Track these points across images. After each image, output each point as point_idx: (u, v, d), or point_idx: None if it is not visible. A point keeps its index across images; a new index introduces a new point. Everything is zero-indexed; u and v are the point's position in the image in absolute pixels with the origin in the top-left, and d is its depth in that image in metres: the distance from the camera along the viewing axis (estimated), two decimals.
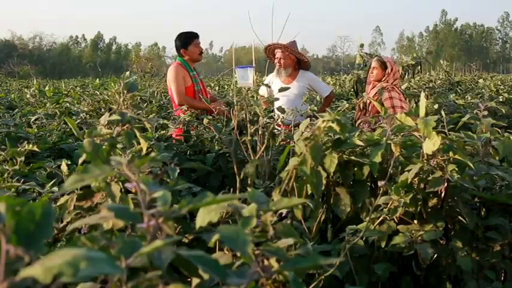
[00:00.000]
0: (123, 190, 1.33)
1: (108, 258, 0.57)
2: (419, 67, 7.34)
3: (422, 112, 1.58)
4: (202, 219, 0.93)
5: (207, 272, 0.73)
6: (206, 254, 0.76)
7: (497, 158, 1.84)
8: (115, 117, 1.56)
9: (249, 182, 1.70)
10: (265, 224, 1.00)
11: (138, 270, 0.75)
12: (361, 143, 1.62)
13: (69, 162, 1.94)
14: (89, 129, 3.34)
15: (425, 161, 1.56)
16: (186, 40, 4.26)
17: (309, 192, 1.59)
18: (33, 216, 0.62)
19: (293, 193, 1.62)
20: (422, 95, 1.69)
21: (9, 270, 0.56)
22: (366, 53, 6.56)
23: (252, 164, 1.44)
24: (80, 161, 1.57)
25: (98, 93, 6.40)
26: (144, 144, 1.59)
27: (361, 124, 3.33)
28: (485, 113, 2.09)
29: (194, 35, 4.31)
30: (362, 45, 6.65)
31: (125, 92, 1.79)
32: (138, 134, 1.59)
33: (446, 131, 1.69)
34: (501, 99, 5.24)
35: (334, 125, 1.49)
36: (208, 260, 0.74)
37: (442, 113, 1.90)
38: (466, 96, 5.85)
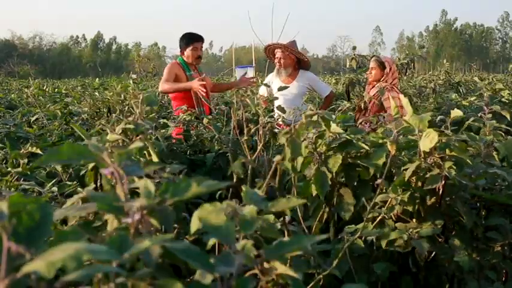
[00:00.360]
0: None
1: (108, 250, 0.57)
2: (412, 64, 7.34)
3: (409, 110, 1.60)
4: (198, 221, 0.91)
5: (194, 265, 0.72)
6: (192, 245, 0.74)
7: (498, 159, 1.85)
8: (129, 126, 1.58)
9: (248, 182, 1.70)
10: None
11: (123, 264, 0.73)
12: (366, 147, 1.62)
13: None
14: (89, 129, 3.33)
15: (422, 159, 1.57)
16: (186, 42, 4.22)
17: (313, 192, 1.59)
18: (33, 216, 0.62)
19: (291, 192, 1.62)
20: (401, 96, 1.72)
21: (10, 268, 0.55)
22: (359, 55, 6.58)
23: (239, 161, 1.45)
24: (90, 166, 1.57)
25: (97, 94, 6.41)
26: (155, 157, 1.61)
27: (362, 124, 3.33)
28: (489, 115, 2.10)
29: (195, 38, 4.24)
30: (355, 48, 6.69)
31: (144, 105, 1.82)
32: (150, 146, 1.61)
33: (449, 131, 1.70)
34: (503, 100, 5.24)
35: (319, 120, 1.49)
36: (194, 252, 0.73)
37: (453, 112, 1.90)
38: (468, 98, 5.85)
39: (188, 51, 4.20)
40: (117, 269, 0.56)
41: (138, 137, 1.65)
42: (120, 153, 0.81)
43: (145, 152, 1.64)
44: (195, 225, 0.90)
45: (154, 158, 1.62)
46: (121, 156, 0.81)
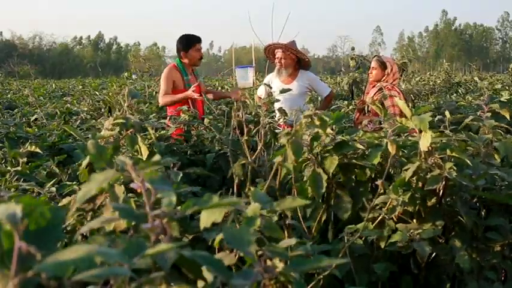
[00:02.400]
0: (125, 192, 1.32)
1: (120, 253, 0.57)
2: (407, 66, 7.36)
3: (408, 113, 1.60)
4: (206, 219, 0.93)
5: (212, 272, 0.73)
6: (210, 254, 0.76)
7: (498, 159, 1.84)
8: (119, 120, 1.58)
9: (248, 182, 1.70)
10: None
11: (140, 271, 0.75)
12: (361, 146, 1.62)
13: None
14: (89, 129, 3.33)
15: (423, 160, 1.57)
16: (188, 43, 4.22)
17: (310, 193, 1.59)
18: (44, 218, 0.63)
19: (290, 193, 1.62)
20: (396, 98, 1.72)
21: (21, 268, 0.56)
22: (359, 55, 6.60)
23: (239, 163, 1.45)
24: (84, 164, 1.58)
25: (98, 94, 6.43)
26: (145, 151, 1.61)
27: (366, 125, 3.33)
28: (489, 114, 2.08)
29: (196, 39, 4.28)
30: (353, 48, 6.72)
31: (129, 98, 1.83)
32: (140, 140, 1.61)
33: (448, 131, 1.70)
34: (503, 99, 5.23)
35: (315, 120, 1.49)
36: (213, 260, 0.75)
37: (447, 113, 1.91)
38: (467, 97, 5.85)
39: (192, 53, 4.22)
40: (127, 272, 0.57)
41: (128, 131, 1.65)
42: (149, 172, 0.85)
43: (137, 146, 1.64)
44: (203, 222, 0.94)
45: (144, 151, 1.62)
46: (149, 174, 0.85)
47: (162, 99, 4.20)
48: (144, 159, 1.66)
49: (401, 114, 1.69)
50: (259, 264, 0.79)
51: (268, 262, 0.82)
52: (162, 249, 0.68)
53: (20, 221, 0.58)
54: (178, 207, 0.85)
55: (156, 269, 0.74)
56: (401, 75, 7.42)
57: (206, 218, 0.94)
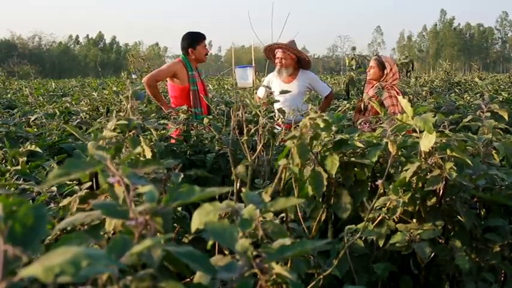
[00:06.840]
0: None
1: (107, 255, 0.56)
2: (411, 66, 7.32)
3: (409, 112, 1.60)
4: (199, 220, 0.91)
5: (196, 268, 0.72)
6: (195, 249, 0.74)
7: (497, 159, 1.84)
8: (122, 122, 1.57)
9: (247, 182, 1.70)
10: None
11: (128, 268, 0.73)
12: (361, 145, 1.62)
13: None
14: (88, 128, 3.33)
15: (423, 160, 1.56)
16: (196, 40, 4.28)
17: (310, 192, 1.59)
18: (27, 218, 0.62)
19: (290, 193, 1.62)
20: (400, 97, 1.72)
21: (7, 271, 0.55)
22: (359, 55, 6.58)
23: (242, 164, 1.44)
24: None
25: (95, 94, 6.44)
26: (148, 153, 1.60)
27: (362, 124, 3.33)
28: (488, 114, 2.07)
29: (203, 36, 4.34)
30: (354, 48, 6.72)
31: (133, 99, 1.83)
32: (142, 141, 1.60)
33: (447, 131, 1.69)
34: (501, 99, 5.23)
35: (319, 121, 1.49)
36: (197, 256, 0.73)
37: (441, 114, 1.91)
38: (465, 96, 5.85)
39: (200, 49, 4.27)
40: (112, 270, 0.56)
41: (130, 133, 1.64)
42: (125, 168, 0.83)
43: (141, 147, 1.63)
44: (195, 224, 0.91)
45: (148, 153, 1.62)
46: (126, 169, 0.83)
47: (148, 80, 4.10)
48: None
49: (401, 114, 1.68)
50: (244, 257, 0.78)
51: (265, 264, 0.81)
52: (147, 245, 0.67)
53: (2, 222, 0.57)
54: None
55: (143, 267, 0.74)
56: (407, 75, 7.41)
57: (198, 219, 0.91)
